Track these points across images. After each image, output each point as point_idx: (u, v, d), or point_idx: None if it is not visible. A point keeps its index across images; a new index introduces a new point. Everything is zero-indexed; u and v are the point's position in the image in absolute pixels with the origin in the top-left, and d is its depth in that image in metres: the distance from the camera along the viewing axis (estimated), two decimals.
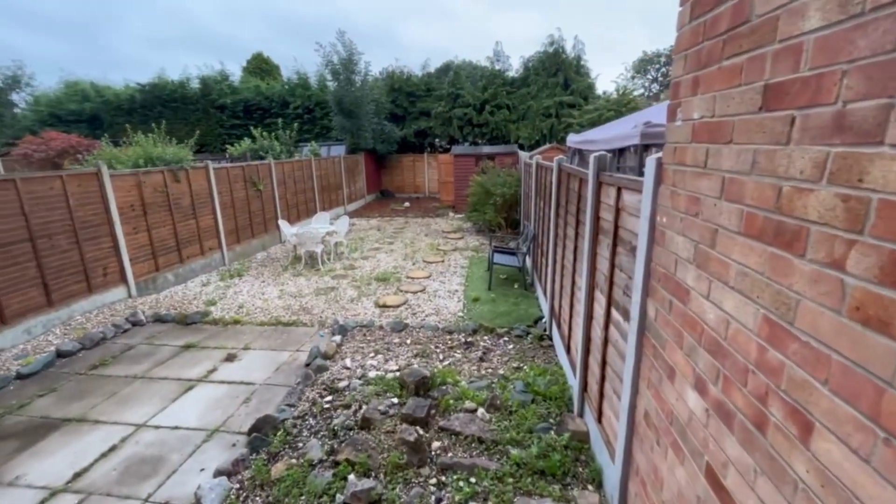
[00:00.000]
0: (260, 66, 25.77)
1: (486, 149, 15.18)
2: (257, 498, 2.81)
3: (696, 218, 1.57)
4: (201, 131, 17.06)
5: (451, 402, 3.62)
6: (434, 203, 17.64)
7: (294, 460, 3.08)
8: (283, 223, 9.59)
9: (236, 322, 5.87)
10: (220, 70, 21.24)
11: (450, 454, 3.07)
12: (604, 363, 2.84)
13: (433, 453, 3.10)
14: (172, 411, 3.87)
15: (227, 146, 15.16)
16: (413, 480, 2.87)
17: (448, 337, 5.23)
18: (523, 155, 10.64)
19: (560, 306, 4.61)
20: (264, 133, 13.22)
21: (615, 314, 2.62)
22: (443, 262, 8.77)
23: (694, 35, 1.60)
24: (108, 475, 3.11)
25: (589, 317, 3.23)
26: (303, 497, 2.75)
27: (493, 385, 4.02)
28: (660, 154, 1.91)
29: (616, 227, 2.60)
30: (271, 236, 10.76)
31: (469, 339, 5.11)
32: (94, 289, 6.29)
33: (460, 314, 6.03)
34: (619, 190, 2.56)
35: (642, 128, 3.26)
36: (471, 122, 18.58)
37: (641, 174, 2.12)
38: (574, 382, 3.62)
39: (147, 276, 7.18)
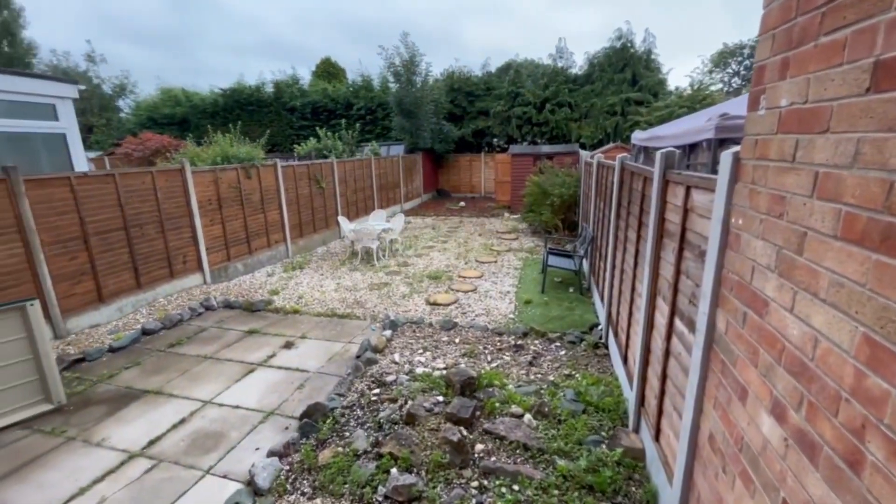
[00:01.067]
0: (328, 70, 27.11)
1: (545, 148, 14.79)
2: (304, 481, 2.91)
3: (779, 219, 1.38)
4: (272, 132, 18.25)
5: (497, 405, 3.54)
6: (489, 203, 17.51)
7: (340, 448, 3.16)
8: (342, 219, 9.97)
9: (295, 311, 6.18)
10: (291, 74, 22.64)
11: (493, 458, 3.00)
12: (664, 377, 2.62)
13: (476, 455, 3.04)
14: (235, 391, 4.15)
15: (295, 146, 16.09)
16: (454, 481, 2.83)
17: (497, 338, 5.13)
18: (584, 154, 10.22)
19: (618, 313, 4.35)
20: (329, 133, 13.85)
21: (679, 324, 2.41)
22: (495, 262, 8.66)
23: (784, 11, 1.41)
24: (176, 445, 3.38)
25: (649, 326, 3.00)
26: (346, 485, 2.82)
27: (542, 391, 3.88)
28: (737, 148, 1.71)
29: (683, 230, 2.38)
30: (331, 232, 11.25)
31: (519, 342, 4.98)
32: (175, 274, 6.93)
33: (511, 316, 5.90)
34: (687, 189, 2.34)
35: (717, 120, 2.96)
36: (530, 121, 18.21)
37: (715, 172, 1.91)
38: (630, 395, 3.39)
39: (220, 264, 7.79)
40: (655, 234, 2.86)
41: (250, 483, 2.87)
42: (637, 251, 3.54)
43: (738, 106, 3.46)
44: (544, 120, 17.82)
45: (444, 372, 4.15)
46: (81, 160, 7.68)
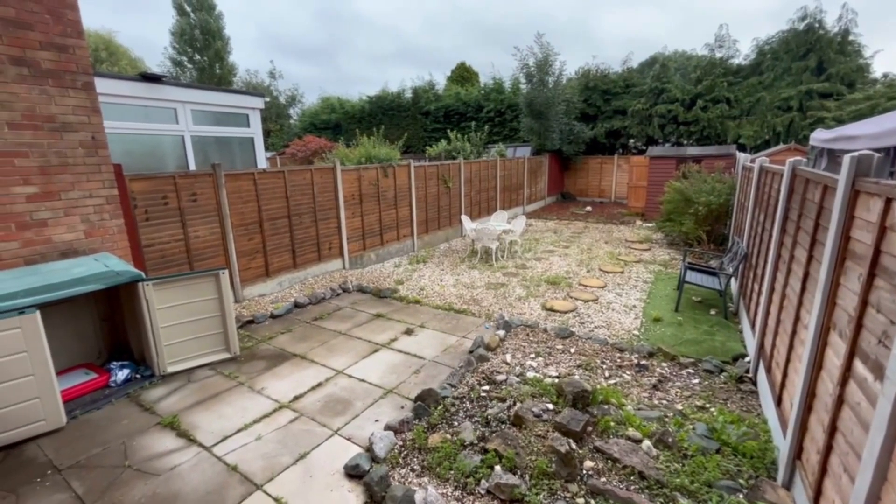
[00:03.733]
0: (462, 75, 28.25)
1: (692, 150, 13.17)
2: (414, 459, 3.13)
3: None
4: (408, 134, 19.73)
5: (612, 424, 3.31)
6: (619, 209, 16.28)
7: (448, 436, 3.31)
8: (465, 218, 10.33)
9: (417, 302, 6.63)
10: (428, 81, 24.19)
11: (603, 479, 2.82)
12: (833, 429, 2.15)
13: (584, 472, 2.89)
14: (361, 367, 4.64)
15: (427, 147, 17.15)
16: (559, 492, 2.74)
17: (618, 354, 4.78)
18: (742, 157, 8.82)
19: (773, 345, 3.68)
20: (458, 135, 14.44)
21: (860, 367, 1.95)
22: (622, 273, 8.04)
23: None
24: (314, 404, 3.94)
25: (816, 365, 2.48)
26: (452, 471, 2.94)
27: (667, 420, 3.50)
28: None
29: (876, 252, 1.92)
30: (454, 229, 11.73)
31: (643, 362, 4.56)
32: (321, 259, 8.01)
33: (636, 332, 5.43)
34: (887, 202, 1.88)
35: None
36: (675, 120, 16.39)
37: None
38: (783, 444, 2.85)
39: (357, 253, 8.75)
40: (834, 255, 2.35)
41: (369, 450, 3.19)
42: (806, 274, 2.95)
43: None
44: (693, 118, 15.86)
45: (556, 380, 4.02)
46: (262, 159, 9.38)
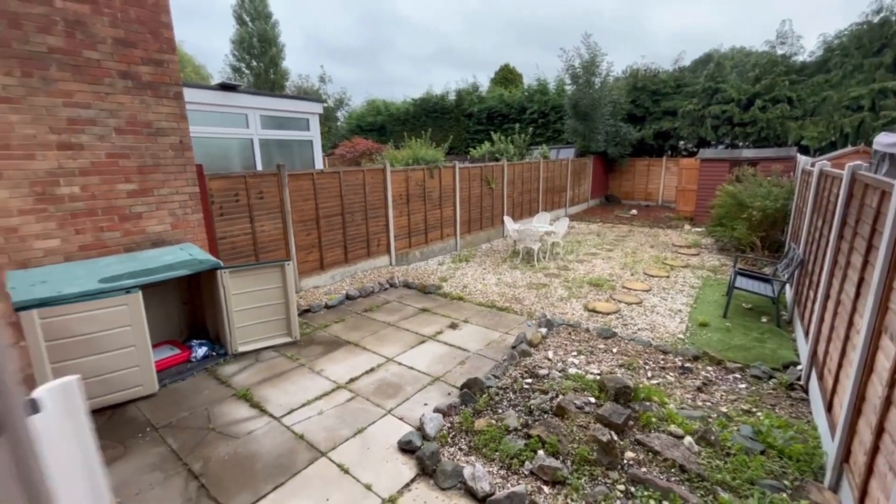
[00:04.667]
0: (505, 76, 28.28)
1: (748, 152, 12.63)
2: (462, 440, 3.37)
3: None
4: (452, 136, 20.06)
5: (654, 420, 3.40)
6: (667, 213, 15.81)
7: (493, 421, 3.53)
8: (507, 219, 10.47)
9: (460, 298, 6.88)
10: (471, 83, 24.44)
11: (643, 469, 2.94)
12: (880, 430, 2.18)
13: (624, 462, 3.02)
14: (409, 355, 4.94)
15: (470, 149, 17.38)
16: (599, 479, 2.89)
17: (661, 356, 4.81)
18: (803, 160, 8.42)
19: (826, 352, 3.63)
20: (502, 137, 14.58)
21: None
22: (668, 277, 7.92)
23: None
24: (367, 386, 4.27)
25: (867, 368, 2.49)
26: (497, 452, 3.16)
27: (710, 420, 3.54)
28: None
29: None
30: (496, 230, 11.90)
31: (687, 365, 4.57)
32: (370, 255, 8.44)
33: (680, 336, 5.41)
34: None
35: None
36: (730, 121, 15.69)
37: None
38: (831, 448, 2.86)
39: (402, 250, 9.13)
40: (888, 260, 2.37)
41: (420, 429, 3.47)
42: (861, 279, 2.93)
43: None
44: (750, 119, 15.13)
45: (599, 377, 4.14)
46: (320, 160, 10.00)
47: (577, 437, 3.22)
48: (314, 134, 9.73)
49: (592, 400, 3.68)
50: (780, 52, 15.49)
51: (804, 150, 13.78)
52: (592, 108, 16.44)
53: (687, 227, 12.98)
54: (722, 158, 12.55)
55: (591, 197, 18.21)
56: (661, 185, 18.16)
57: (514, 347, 4.95)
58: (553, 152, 17.57)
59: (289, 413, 3.82)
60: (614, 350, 4.96)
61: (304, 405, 3.94)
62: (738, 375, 4.37)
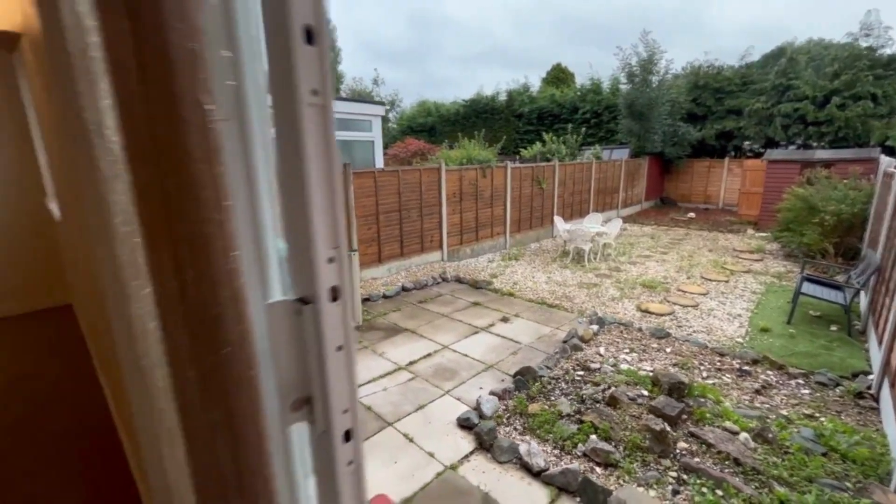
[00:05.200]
0: (557, 76, 27.95)
1: (822, 153, 11.81)
2: (516, 421, 3.60)
3: None
4: (505, 137, 20.16)
5: (708, 415, 3.45)
6: (727, 216, 15.05)
7: (546, 407, 3.72)
8: (558, 219, 10.50)
9: (510, 294, 7.07)
10: (523, 83, 24.40)
11: (696, 459, 3.02)
12: None
13: (677, 451, 3.12)
14: (463, 344, 5.22)
15: (520, 149, 17.43)
16: (651, 465, 3.01)
17: (718, 358, 4.76)
18: (886, 161, 7.83)
19: None
20: (554, 137, 14.54)
21: None
22: (727, 282, 7.66)
23: None
24: (426, 370, 4.59)
25: None
26: (551, 434, 3.35)
27: (769, 420, 3.53)
28: None
29: None
30: (545, 230, 11.93)
31: (745, 368, 4.51)
32: (424, 250, 8.82)
33: (739, 340, 5.30)
34: None
35: None
36: (803, 120, 14.67)
37: None
38: None
39: (454, 247, 9.44)
40: None
41: (477, 408, 3.73)
42: None
43: None
44: (826, 117, 14.08)
45: (651, 373, 4.21)
46: (380, 160, 10.56)
47: (630, 426, 3.35)
48: (376, 135, 10.29)
49: (645, 393, 3.77)
50: (864, 44, 14.29)
51: (889, 151, 12.65)
52: (649, 107, 15.96)
53: (750, 231, 12.33)
54: (792, 159, 11.83)
55: (646, 199, 17.67)
56: (721, 188, 17.28)
57: (565, 342, 5.09)
58: (605, 153, 17.24)
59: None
60: (668, 350, 4.97)
61: (369, 381, 4.33)
62: (800, 381, 4.26)
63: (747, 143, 16.97)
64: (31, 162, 4.54)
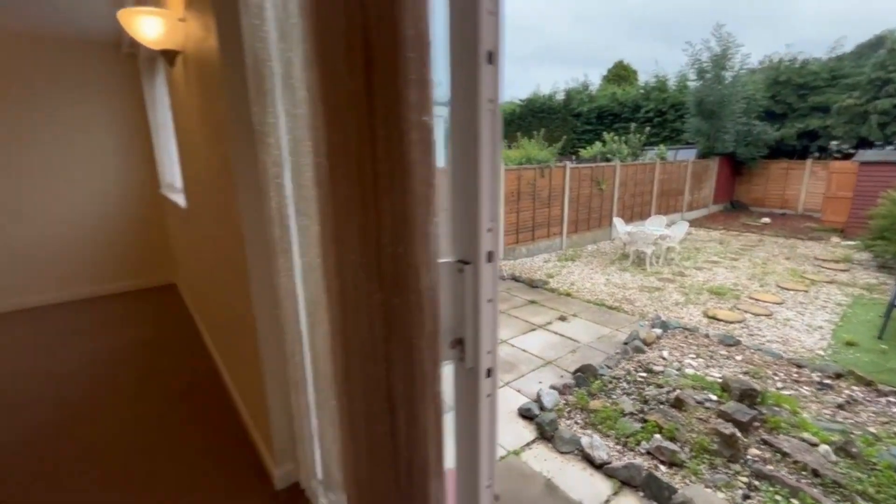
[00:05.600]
0: (619, 74, 26.98)
1: None
2: (577, 415, 3.66)
3: None
4: (557, 136, 19.84)
5: (783, 425, 3.32)
6: (808, 223, 13.85)
7: (608, 404, 3.74)
8: (618, 221, 10.24)
9: (567, 294, 7.05)
10: (582, 82, 23.82)
11: (769, 466, 2.94)
12: None
13: (748, 457, 3.04)
14: (522, 340, 5.31)
15: (579, 149, 17.09)
16: (720, 468, 2.97)
17: (795, 370, 4.51)
18: None
19: None
20: (615, 137, 14.14)
21: None
22: (806, 292, 7.14)
23: None
24: None
25: None
26: (613, 431, 3.39)
27: (853, 436, 3.33)
28: None
29: None
30: (603, 232, 11.66)
31: (826, 381, 4.24)
32: None
33: (820, 353, 4.96)
34: None
35: None
36: None
37: None
38: None
39: (510, 245, 9.51)
40: None
41: (537, 400, 3.83)
42: None
43: None
44: None
45: (720, 379, 4.09)
46: (442, 159, 10.87)
47: (697, 429, 3.31)
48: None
49: (713, 398, 3.69)
50: None
51: None
52: (721, 105, 15.05)
53: (835, 239, 11.30)
54: (890, 161, 10.70)
55: (714, 202, 16.66)
56: (802, 192, 15.90)
57: (626, 343, 5.04)
58: (670, 153, 16.46)
59: None
60: (737, 357, 4.77)
61: None
62: (892, 399, 3.95)
63: (834, 143, 15.49)
64: (151, 158, 5.23)
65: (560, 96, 23.95)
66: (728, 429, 3.10)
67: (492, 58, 0.73)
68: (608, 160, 13.09)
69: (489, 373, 0.88)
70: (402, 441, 0.98)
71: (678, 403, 3.59)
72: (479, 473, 0.91)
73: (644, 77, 23.64)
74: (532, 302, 6.70)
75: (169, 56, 2.08)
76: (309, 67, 0.98)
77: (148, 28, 1.99)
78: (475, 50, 0.72)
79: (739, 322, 5.85)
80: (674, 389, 3.88)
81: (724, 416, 3.35)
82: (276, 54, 1.63)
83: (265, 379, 1.86)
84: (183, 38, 2.03)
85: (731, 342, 5.09)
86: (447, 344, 0.88)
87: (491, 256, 0.82)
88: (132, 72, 5.06)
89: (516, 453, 3.24)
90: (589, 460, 3.10)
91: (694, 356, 4.80)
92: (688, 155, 16.26)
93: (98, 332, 4.40)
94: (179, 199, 3.50)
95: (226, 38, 1.49)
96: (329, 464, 1.90)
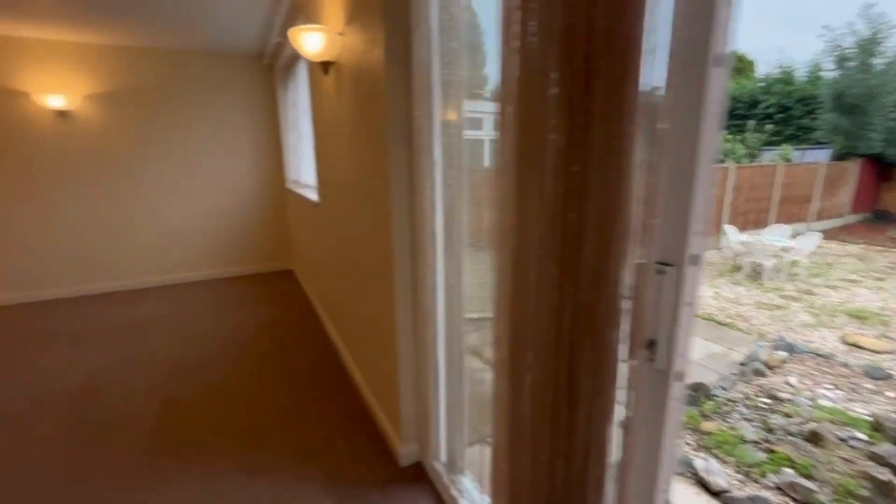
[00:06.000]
0: (734, 66, 24.31)
1: None
2: (688, 435, 3.41)
3: None
4: None
5: None
6: None
7: (724, 427, 3.43)
8: (730, 228, 9.26)
9: None
10: None
11: None
12: None
13: None
14: None
15: None
16: None
17: None
18: None
19: None
20: (729, 136, 12.79)
21: None
22: None
23: None
24: None
25: None
26: (732, 457, 3.10)
27: None
28: None
29: None
30: (710, 240, 10.63)
31: None
32: None
33: None
34: None
35: None
36: None
37: None
38: None
39: None
40: None
41: None
42: None
43: None
44: None
45: (869, 417, 3.53)
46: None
47: (839, 469, 2.90)
48: (487, 133, 10.53)
49: (860, 436, 3.20)
50: None
51: None
52: (867, 98, 12.88)
53: None
54: None
55: (852, 211, 14.31)
56: None
57: (743, 364, 4.56)
58: (796, 154, 14.47)
59: None
60: (888, 393, 4.07)
61: None
62: None
63: None
64: (279, 156, 5.90)
65: None
66: (884, 474, 2.68)
67: (720, 61, 0.73)
68: (720, 161, 11.90)
69: (680, 376, 0.87)
70: (581, 434, 1.02)
71: (814, 437, 3.17)
72: (657, 478, 0.91)
73: (764, 68, 21.03)
74: None
75: (325, 66, 2.34)
76: (502, 72, 1.05)
77: (311, 42, 2.25)
78: (704, 56, 0.73)
79: (889, 353, 4.99)
80: (807, 421, 3.43)
81: (877, 458, 2.89)
82: (437, 64, 1.76)
83: (399, 366, 2.01)
84: (339, 50, 2.27)
85: (880, 375, 4.36)
86: (640, 344, 0.89)
87: (696, 259, 0.82)
88: (268, 80, 5.73)
89: None
90: (703, 485, 2.88)
91: (830, 386, 4.20)
92: (818, 156, 14.16)
93: (237, 308, 5.07)
94: (309, 194, 3.89)
95: (391, 49, 1.64)
96: (454, 448, 2.00)
